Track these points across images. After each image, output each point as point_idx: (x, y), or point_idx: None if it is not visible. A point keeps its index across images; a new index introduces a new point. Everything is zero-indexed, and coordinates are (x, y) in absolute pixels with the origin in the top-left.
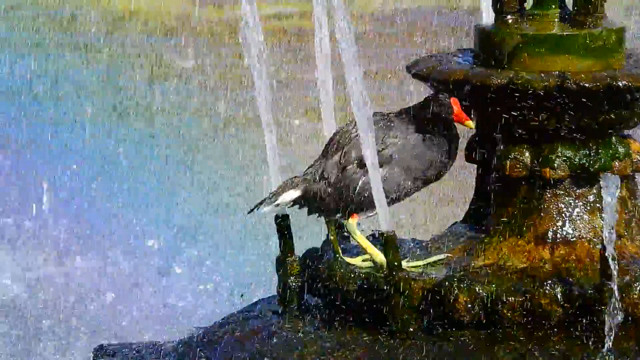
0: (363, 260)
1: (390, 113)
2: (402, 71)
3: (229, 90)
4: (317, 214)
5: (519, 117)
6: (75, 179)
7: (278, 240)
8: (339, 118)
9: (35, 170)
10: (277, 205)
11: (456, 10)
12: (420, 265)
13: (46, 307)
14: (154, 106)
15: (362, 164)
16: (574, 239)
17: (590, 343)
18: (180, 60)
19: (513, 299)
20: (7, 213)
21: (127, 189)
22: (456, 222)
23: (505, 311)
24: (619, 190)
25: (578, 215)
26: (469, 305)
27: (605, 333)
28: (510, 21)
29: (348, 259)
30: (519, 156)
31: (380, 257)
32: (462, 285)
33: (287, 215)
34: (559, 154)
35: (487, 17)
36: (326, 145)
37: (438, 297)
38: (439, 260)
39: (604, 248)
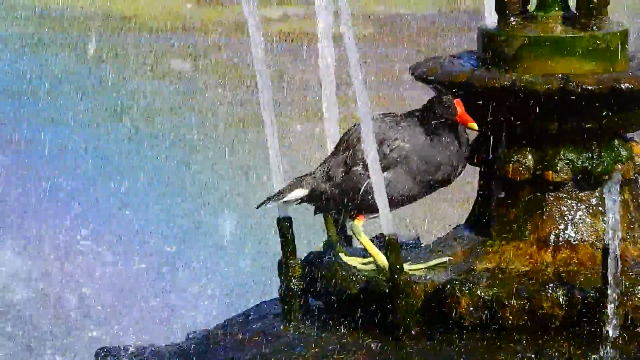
0: (364, 264)
1: (400, 114)
2: (404, 73)
3: (227, 89)
4: (323, 213)
5: (522, 119)
6: (75, 179)
7: (280, 243)
8: (342, 119)
9: (34, 171)
10: (285, 202)
11: (458, 12)
12: (422, 268)
13: (47, 308)
14: (154, 106)
15: (366, 166)
16: (577, 242)
17: (592, 346)
18: (179, 60)
19: (515, 302)
20: (7, 213)
21: (127, 189)
22: (458, 224)
23: (507, 314)
24: (621, 194)
25: (580, 219)
26: (471, 308)
27: (607, 336)
28: (513, 23)
29: (346, 259)
30: (521, 159)
31: (383, 259)
32: (464, 288)
33: (290, 218)
34: (562, 157)
35: (490, 18)
36: (336, 145)
37: (440, 300)
38: (441, 263)
39: (606, 251)
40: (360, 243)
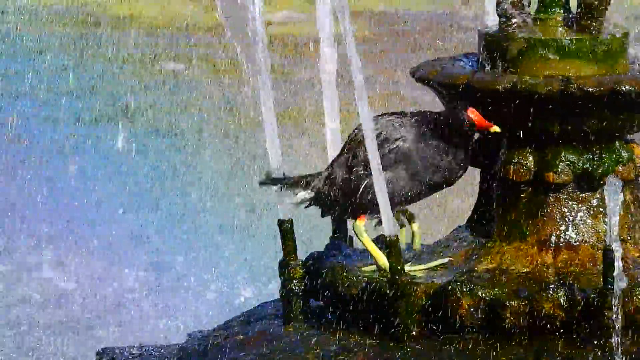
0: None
1: (410, 113)
2: (404, 74)
3: (226, 90)
4: (330, 215)
5: (523, 121)
6: (74, 179)
7: (281, 244)
8: (343, 120)
9: (33, 170)
10: (292, 202)
11: (459, 13)
12: (423, 269)
13: (48, 308)
14: (154, 106)
15: (368, 166)
16: (577, 243)
17: (593, 347)
18: (172, 61)
19: (516, 303)
20: (6, 212)
21: (126, 189)
22: (459, 225)
23: (507, 315)
24: (622, 195)
25: (581, 220)
26: (472, 309)
27: (609, 337)
28: (514, 25)
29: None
30: (522, 160)
31: (384, 260)
32: (465, 289)
33: (291, 219)
34: (563, 159)
35: (491, 21)
36: (342, 147)
37: (441, 301)
38: (442, 264)
39: (606, 252)
40: (362, 243)
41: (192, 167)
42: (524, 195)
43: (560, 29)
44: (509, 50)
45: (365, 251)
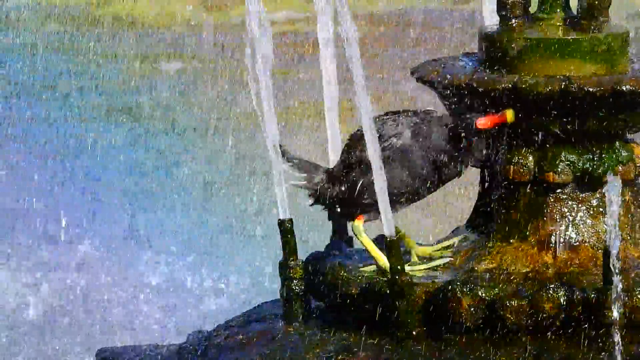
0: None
1: (403, 112)
2: (404, 73)
3: (226, 89)
4: (330, 215)
5: (523, 121)
6: (74, 178)
7: (281, 244)
8: (344, 120)
9: (31, 168)
10: (292, 183)
11: (460, 12)
12: (423, 269)
13: (47, 310)
14: (156, 105)
15: (364, 164)
16: (577, 243)
17: (593, 347)
18: (173, 60)
19: (516, 303)
20: (6, 212)
21: (126, 188)
22: (459, 226)
23: (508, 315)
24: (622, 195)
25: (581, 220)
26: (472, 309)
27: (609, 337)
28: (514, 25)
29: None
30: (522, 160)
31: (384, 260)
32: (465, 289)
33: (291, 219)
34: (563, 159)
35: (489, 20)
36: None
37: (441, 301)
38: (442, 264)
39: (606, 252)
40: (361, 243)
41: (192, 167)
42: (524, 195)
43: (561, 28)
44: (510, 50)
45: (366, 251)
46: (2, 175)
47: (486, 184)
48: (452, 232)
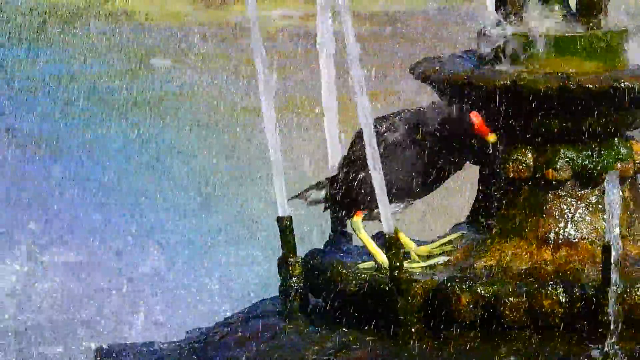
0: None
1: (401, 111)
2: (404, 71)
3: (226, 86)
4: (331, 212)
5: (522, 118)
6: (73, 177)
7: (280, 241)
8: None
9: (30, 166)
10: (307, 201)
11: (459, 11)
12: (422, 266)
13: (45, 308)
14: (144, 102)
15: (363, 160)
16: (576, 240)
17: (592, 344)
18: (166, 57)
19: (515, 300)
20: (8, 211)
21: (129, 185)
22: (458, 223)
23: (507, 312)
24: (621, 192)
25: (580, 217)
26: (471, 306)
27: (608, 334)
28: (513, 22)
29: (406, 264)
30: (521, 157)
31: (382, 257)
32: (464, 286)
33: (290, 216)
34: (562, 156)
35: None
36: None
37: (440, 298)
38: (441, 262)
39: (605, 249)
40: (360, 239)
41: (191, 164)
42: (523, 192)
43: (560, 25)
44: (508, 47)
45: (364, 248)
46: None
47: (485, 181)
48: (451, 229)
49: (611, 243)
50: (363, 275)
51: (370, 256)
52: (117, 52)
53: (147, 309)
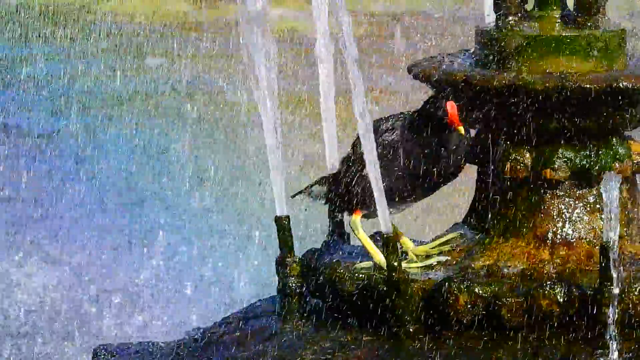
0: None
1: (401, 113)
2: (401, 70)
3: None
4: (330, 211)
5: (520, 118)
6: (73, 176)
7: (278, 241)
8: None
9: (19, 160)
10: (311, 196)
11: (457, 10)
12: (419, 266)
13: (47, 302)
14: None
15: (363, 160)
16: (574, 240)
17: (591, 344)
18: (159, 56)
19: (513, 300)
20: (8, 208)
21: (129, 183)
22: (456, 222)
23: (505, 312)
24: (619, 192)
25: (578, 217)
26: (469, 306)
27: (606, 334)
28: (511, 22)
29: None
30: (519, 157)
31: (380, 257)
32: (461, 286)
33: (287, 216)
34: (560, 155)
35: (489, 17)
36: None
37: (438, 298)
38: (439, 262)
39: (603, 249)
40: (358, 239)
41: (192, 163)
42: (521, 192)
43: (558, 25)
44: (507, 47)
45: (362, 247)
46: None
47: (483, 181)
48: (449, 229)
49: (609, 243)
50: (361, 275)
51: (368, 256)
52: (113, 51)
53: (146, 308)
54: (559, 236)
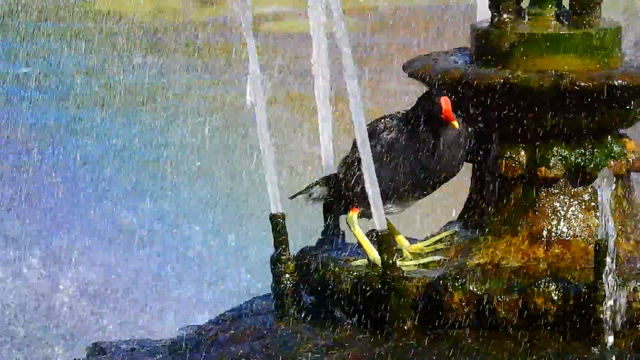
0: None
1: (400, 112)
2: (396, 68)
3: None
4: (325, 209)
5: (515, 116)
6: (73, 176)
7: (273, 238)
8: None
9: (15, 156)
10: (311, 198)
11: (453, 8)
12: (414, 264)
13: (47, 298)
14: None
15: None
16: (569, 237)
17: (585, 342)
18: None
19: (508, 297)
20: (7, 207)
21: (131, 180)
22: (451, 221)
23: (499, 309)
24: (614, 189)
25: (573, 214)
26: (464, 304)
27: (601, 332)
28: (506, 20)
29: (399, 262)
30: (514, 155)
31: (375, 254)
32: (456, 284)
33: (283, 214)
34: (555, 153)
35: (482, 15)
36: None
37: (433, 296)
38: (434, 260)
39: (598, 247)
40: (354, 235)
41: (191, 162)
42: (516, 190)
43: (553, 23)
44: (502, 45)
45: (358, 246)
46: None
47: (478, 179)
48: (444, 227)
49: (604, 241)
50: (355, 273)
51: (363, 254)
52: (104, 49)
53: (142, 306)
54: (553, 234)
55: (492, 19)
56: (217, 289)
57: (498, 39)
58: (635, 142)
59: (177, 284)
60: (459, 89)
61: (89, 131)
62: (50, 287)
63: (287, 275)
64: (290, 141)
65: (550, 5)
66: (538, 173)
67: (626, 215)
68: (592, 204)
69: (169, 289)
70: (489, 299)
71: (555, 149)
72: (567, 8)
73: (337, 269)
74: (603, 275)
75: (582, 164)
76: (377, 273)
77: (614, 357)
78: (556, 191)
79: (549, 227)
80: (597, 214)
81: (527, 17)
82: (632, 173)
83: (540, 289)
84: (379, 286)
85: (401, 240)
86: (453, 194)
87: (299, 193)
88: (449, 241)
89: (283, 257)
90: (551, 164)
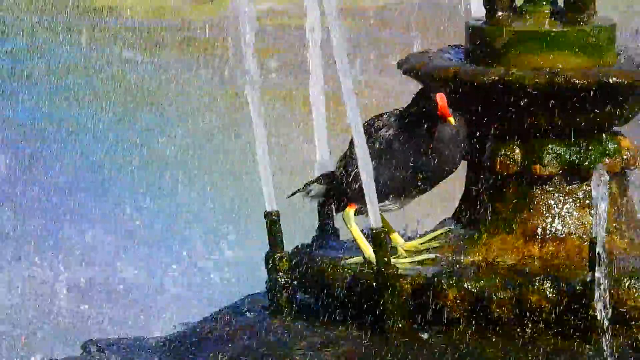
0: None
1: (397, 109)
2: (393, 64)
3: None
4: (319, 207)
5: (510, 113)
6: (72, 175)
7: (267, 236)
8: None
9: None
10: (309, 196)
11: (447, 5)
12: (409, 262)
13: (49, 296)
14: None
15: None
16: (564, 235)
17: (579, 339)
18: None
19: (502, 295)
20: (8, 208)
21: (130, 178)
22: (446, 218)
23: (494, 307)
24: (608, 187)
25: (568, 212)
26: (459, 301)
27: (595, 329)
28: (501, 18)
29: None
30: (509, 153)
31: (370, 252)
32: (451, 282)
33: (277, 211)
34: (550, 151)
35: (476, 12)
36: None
37: (427, 293)
38: (429, 258)
39: (593, 244)
40: (350, 232)
41: (189, 162)
42: (510, 187)
43: (548, 21)
44: (497, 43)
45: (352, 244)
46: None
47: (473, 177)
48: (439, 224)
49: (598, 238)
50: (350, 271)
51: (358, 251)
52: (94, 45)
53: (142, 305)
54: (548, 231)
55: (486, 16)
56: (216, 289)
57: (493, 36)
58: (629, 140)
59: (176, 283)
60: (454, 86)
61: (88, 129)
62: (50, 287)
63: (282, 273)
64: (291, 141)
65: (544, 3)
66: (533, 170)
67: (621, 212)
68: (587, 201)
69: (168, 288)
70: (484, 297)
71: (550, 146)
72: (562, 5)
73: (331, 266)
74: (597, 273)
75: (576, 161)
76: (372, 270)
77: (607, 354)
78: (551, 189)
79: (543, 225)
80: (592, 211)
81: (521, 15)
82: (626, 170)
83: (535, 287)
84: (374, 284)
85: (396, 237)
86: (448, 191)
87: (297, 191)
88: (443, 239)
89: (277, 255)
90: (546, 162)
